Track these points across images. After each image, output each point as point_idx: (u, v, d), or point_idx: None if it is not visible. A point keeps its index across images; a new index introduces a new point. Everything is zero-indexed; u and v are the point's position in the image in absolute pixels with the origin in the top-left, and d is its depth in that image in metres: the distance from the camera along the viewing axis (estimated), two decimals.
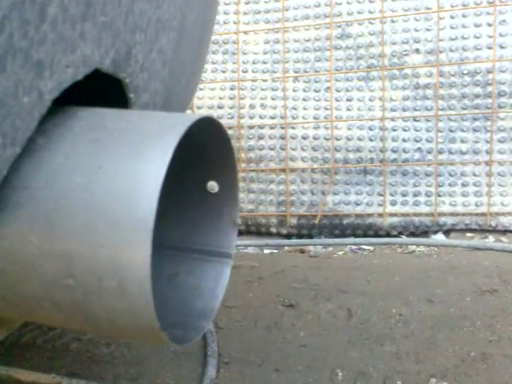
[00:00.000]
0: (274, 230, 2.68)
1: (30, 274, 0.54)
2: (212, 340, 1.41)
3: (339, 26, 2.87)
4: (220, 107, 2.85)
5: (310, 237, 2.64)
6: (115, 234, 0.49)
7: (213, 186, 0.67)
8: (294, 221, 2.66)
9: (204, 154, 0.65)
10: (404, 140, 2.73)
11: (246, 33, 2.96)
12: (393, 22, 2.84)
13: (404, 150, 2.71)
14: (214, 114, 2.85)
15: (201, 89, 2.90)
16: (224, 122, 2.81)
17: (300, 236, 2.66)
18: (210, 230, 0.69)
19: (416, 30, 2.80)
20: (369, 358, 1.35)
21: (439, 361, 1.33)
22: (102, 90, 0.69)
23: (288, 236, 2.67)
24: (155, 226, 0.70)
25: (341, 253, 2.31)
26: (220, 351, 1.39)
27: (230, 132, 2.79)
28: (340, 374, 1.29)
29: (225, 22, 3.00)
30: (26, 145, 0.52)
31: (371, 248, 2.39)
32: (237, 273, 1.88)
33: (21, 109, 0.49)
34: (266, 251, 2.44)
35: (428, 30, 2.79)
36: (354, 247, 2.37)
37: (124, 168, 0.50)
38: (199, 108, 2.86)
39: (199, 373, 1.31)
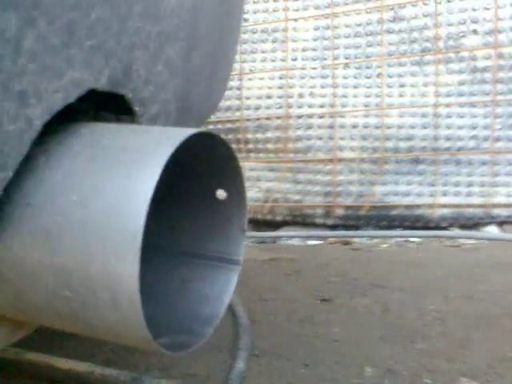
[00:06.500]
0: (319, 220, 2.68)
1: (32, 285, 0.58)
2: (244, 333, 1.44)
3: (392, 9, 2.79)
4: (268, 97, 2.86)
5: (357, 228, 2.62)
6: (106, 250, 0.52)
7: (221, 193, 0.69)
8: (340, 211, 2.64)
9: (210, 164, 0.67)
10: (459, 127, 2.64)
11: (295, 20, 2.93)
12: (448, 1, 2.72)
13: (459, 138, 2.62)
14: (263, 103, 2.86)
15: (250, 79, 2.91)
16: (272, 111, 2.82)
17: (346, 227, 2.64)
18: (220, 237, 0.71)
19: (474, 10, 2.68)
20: (399, 355, 1.34)
21: (472, 360, 1.30)
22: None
23: (334, 227, 2.66)
24: (168, 233, 0.73)
25: (385, 245, 2.28)
26: (252, 344, 1.42)
27: (278, 122, 2.80)
28: (369, 370, 1.29)
29: (274, 10, 2.98)
30: (28, 163, 0.57)
31: (419, 240, 2.35)
32: (276, 265, 1.90)
33: (8, 136, 0.53)
34: (311, 242, 2.44)
35: (486, 8, 2.66)
36: (400, 239, 2.34)
37: (116, 186, 0.54)
38: (247, 98, 2.87)
39: (229, 365, 1.34)
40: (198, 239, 0.73)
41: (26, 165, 0.57)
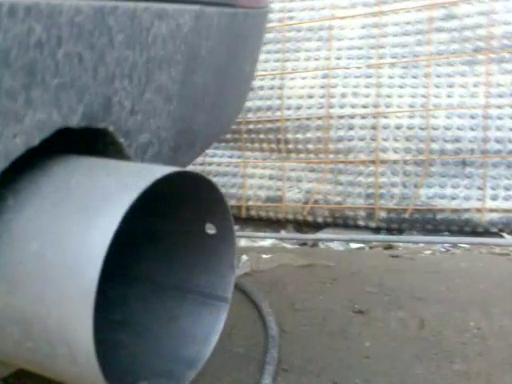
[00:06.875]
0: (361, 222, 2.60)
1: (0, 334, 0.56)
2: (273, 346, 1.40)
3: (444, 7, 2.67)
4: (310, 97, 2.79)
5: (401, 231, 2.53)
6: (62, 304, 0.50)
7: (210, 228, 0.67)
8: (383, 214, 2.56)
9: (198, 199, 0.64)
10: (511, 129, 2.50)
11: (342, 18, 2.86)
12: None
13: (510, 140, 2.49)
14: (304, 103, 2.79)
15: (292, 78, 2.86)
16: (313, 111, 2.75)
17: (389, 230, 2.56)
18: (210, 272, 0.69)
19: None
20: (434, 376, 1.27)
21: None
22: None
23: (377, 230, 2.58)
24: (161, 266, 0.70)
25: (429, 252, 2.19)
26: (281, 357, 1.38)
27: (319, 122, 2.73)
28: None
29: (321, 8, 2.91)
30: None
31: (466, 246, 2.24)
32: (311, 272, 1.86)
33: None
34: (352, 245, 2.38)
35: None
36: (446, 245, 2.24)
37: (75, 236, 0.51)
38: (289, 98, 2.81)
39: (257, 379, 1.31)
40: (188, 273, 0.71)
41: None
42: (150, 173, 0.54)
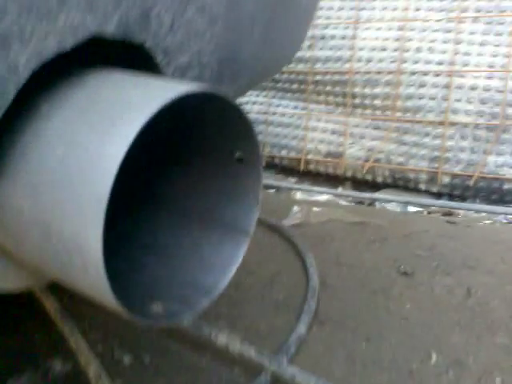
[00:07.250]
0: (423, 186, 2.51)
1: (26, 236, 0.58)
2: (311, 296, 1.41)
3: None
4: (383, 49, 2.67)
5: (463, 199, 2.43)
6: (77, 212, 0.50)
7: (239, 155, 0.66)
8: (446, 179, 2.46)
9: (227, 127, 0.63)
10: None
11: None
12: None
13: None
14: (376, 56, 2.68)
15: (366, 28, 2.74)
16: (384, 65, 2.64)
17: (451, 197, 2.46)
18: (235, 204, 0.68)
19: None
20: (473, 347, 1.24)
21: None
22: None
23: (438, 195, 2.49)
24: (190, 193, 0.71)
25: (488, 222, 2.09)
26: (319, 309, 1.38)
27: (389, 77, 2.62)
28: (434, 357, 1.21)
29: None
30: (32, 111, 0.55)
31: None
32: (362, 230, 1.82)
33: None
34: (411, 209, 2.31)
35: None
36: (508, 216, 2.13)
37: (94, 144, 0.51)
38: (361, 49, 2.71)
39: (292, 326, 1.32)
40: (215, 203, 0.71)
41: (31, 113, 0.56)
42: (176, 88, 0.53)
